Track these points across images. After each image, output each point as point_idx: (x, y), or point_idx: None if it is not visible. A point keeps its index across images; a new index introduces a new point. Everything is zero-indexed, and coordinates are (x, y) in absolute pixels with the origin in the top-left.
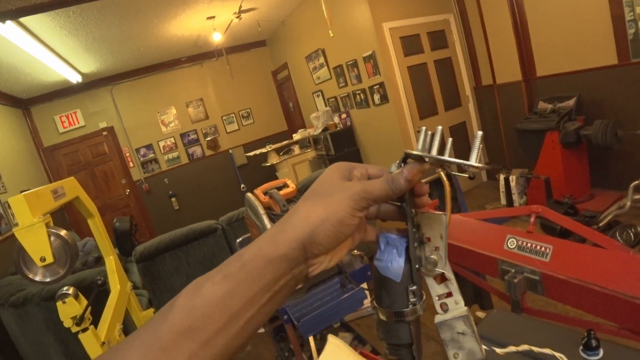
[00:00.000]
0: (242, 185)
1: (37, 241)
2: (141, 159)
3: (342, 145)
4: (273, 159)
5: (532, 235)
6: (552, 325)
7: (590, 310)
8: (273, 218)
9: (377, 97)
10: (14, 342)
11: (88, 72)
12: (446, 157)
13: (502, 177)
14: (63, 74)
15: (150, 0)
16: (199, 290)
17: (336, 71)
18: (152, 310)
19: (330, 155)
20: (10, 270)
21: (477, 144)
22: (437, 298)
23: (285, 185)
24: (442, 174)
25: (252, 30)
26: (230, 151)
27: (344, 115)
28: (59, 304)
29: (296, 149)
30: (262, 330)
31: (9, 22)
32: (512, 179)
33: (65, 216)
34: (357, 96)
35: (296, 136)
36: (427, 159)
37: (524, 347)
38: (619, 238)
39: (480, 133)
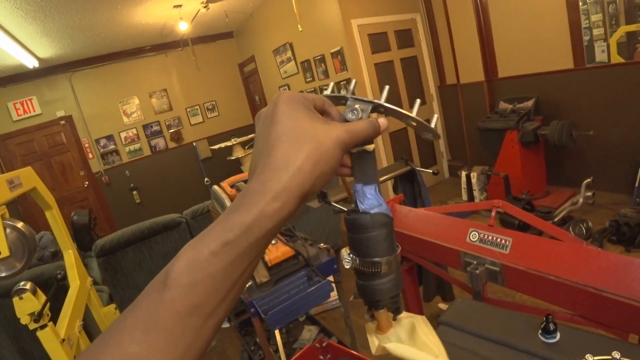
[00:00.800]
0: (206, 179)
1: None
2: (101, 150)
3: None
4: (238, 153)
5: (493, 228)
6: (512, 313)
7: (546, 298)
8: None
9: (344, 92)
10: None
11: (46, 57)
12: (405, 111)
13: (463, 173)
14: (18, 57)
15: None
16: (198, 263)
17: (303, 66)
18: (113, 306)
19: None
20: None
21: (416, 105)
22: None
23: None
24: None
25: (219, 21)
26: (194, 144)
27: None
28: (15, 299)
29: None
30: (227, 324)
31: None
32: (474, 175)
33: (19, 208)
34: (323, 90)
35: None
36: (382, 109)
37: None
38: (572, 232)
39: (435, 116)
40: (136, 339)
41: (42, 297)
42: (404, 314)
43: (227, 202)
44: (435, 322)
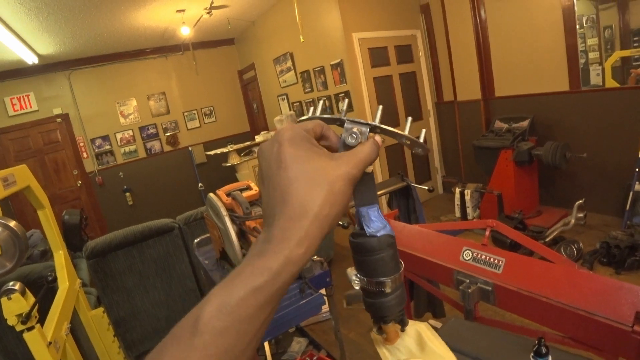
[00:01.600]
0: (200, 184)
1: None
2: (96, 150)
3: None
4: (234, 160)
5: (486, 247)
6: (505, 334)
7: (537, 319)
8: (235, 220)
9: (342, 104)
10: None
11: (46, 54)
12: (399, 131)
13: (457, 190)
14: (18, 53)
15: None
16: (229, 308)
17: (303, 76)
18: (101, 309)
19: None
20: None
21: (408, 123)
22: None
23: (248, 188)
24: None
25: (221, 28)
26: (189, 148)
27: None
28: (3, 300)
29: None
30: None
31: None
32: (467, 192)
33: (10, 205)
34: (323, 102)
35: (258, 138)
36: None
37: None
38: (563, 253)
39: (424, 130)
40: None
41: (31, 299)
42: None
43: (223, 211)
44: None
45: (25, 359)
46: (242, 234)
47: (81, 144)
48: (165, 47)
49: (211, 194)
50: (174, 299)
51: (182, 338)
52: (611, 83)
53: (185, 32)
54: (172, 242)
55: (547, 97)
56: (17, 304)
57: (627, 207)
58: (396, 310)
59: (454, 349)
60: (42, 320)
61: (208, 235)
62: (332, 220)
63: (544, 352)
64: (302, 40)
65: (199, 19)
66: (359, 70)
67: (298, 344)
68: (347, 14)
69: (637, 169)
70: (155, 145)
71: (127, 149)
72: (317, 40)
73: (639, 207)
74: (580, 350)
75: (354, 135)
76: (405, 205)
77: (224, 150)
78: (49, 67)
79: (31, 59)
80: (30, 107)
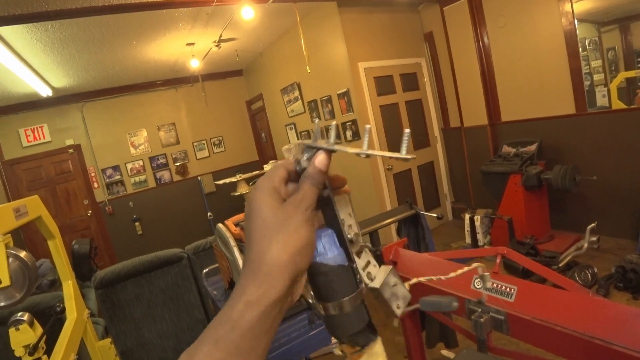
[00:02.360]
0: (209, 214)
1: None
2: (107, 180)
3: None
4: (242, 189)
5: (497, 275)
6: None
7: (552, 349)
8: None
9: (349, 133)
10: None
11: (59, 86)
12: (378, 152)
13: (467, 216)
14: (33, 86)
15: (132, 22)
16: None
17: (310, 105)
18: (108, 340)
19: None
20: None
21: (404, 138)
22: (362, 271)
23: None
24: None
25: (229, 59)
26: (199, 178)
27: None
28: (11, 330)
29: None
30: None
31: None
32: (477, 218)
33: (21, 234)
34: (330, 131)
35: (267, 167)
36: (357, 153)
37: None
38: (577, 278)
39: (407, 130)
40: None
41: (39, 330)
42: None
43: (232, 242)
44: None
45: None
46: None
47: (92, 174)
48: (175, 79)
49: (220, 225)
50: (181, 330)
51: None
52: (617, 104)
53: (195, 65)
54: (181, 272)
55: (554, 120)
56: (25, 335)
57: None
58: (345, 334)
59: None
60: (49, 351)
61: (217, 265)
62: (292, 263)
63: None
64: (308, 70)
65: (208, 52)
66: (366, 99)
67: None
68: (352, 44)
69: None
70: (165, 175)
71: (137, 178)
72: (324, 70)
73: None
74: None
75: (302, 162)
76: (414, 233)
77: (233, 179)
78: (62, 99)
79: (45, 92)
80: (44, 138)
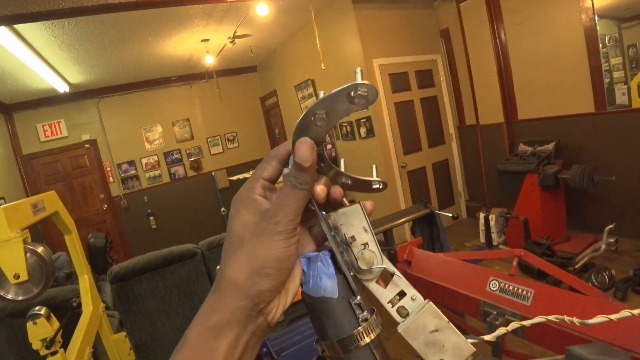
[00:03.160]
0: (223, 209)
1: (12, 257)
2: (122, 175)
3: None
4: None
5: (514, 278)
6: None
7: None
8: None
9: (363, 130)
10: None
11: (76, 82)
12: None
13: (482, 215)
14: (51, 82)
15: (148, 19)
16: None
17: None
18: (123, 334)
19: None
20: None
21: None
22: (390, 305)
23: None
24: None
25: (244, 56)
26: (213, 173)
27: (329, 146)
28: (29, 324)
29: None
30: None
31: (2, 28)
32: (492, 218)
33: (39, 228)
34: (344, 128)
35: None
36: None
37: None
38: (594, 280)
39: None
40: None
41: (56, 324)
42: None
43: None
44: None
45: None
46: None
47: (108, 169)
48: (189, 75)
49: None
50: None
51: None
52: (638, 103)
53: (209, 61)
54: (195, 267)
55: (572, 119)
56: (42, 329)
57: None
58: None
59: None
60: (65, 344)
61: None
62: (249, 281)
63: None
64: (323, 67)
65: (223, 48)
66: (380, 96)
67: None
68: (367, 40)
69: None
70: (179, 170)
71: (151, 173)
72: (338, 67)
73: None
74: None
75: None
76: (429, 232)
77: (247, 175)
78: (79, 95)
79: (62, 88)
80: (61, 133)
